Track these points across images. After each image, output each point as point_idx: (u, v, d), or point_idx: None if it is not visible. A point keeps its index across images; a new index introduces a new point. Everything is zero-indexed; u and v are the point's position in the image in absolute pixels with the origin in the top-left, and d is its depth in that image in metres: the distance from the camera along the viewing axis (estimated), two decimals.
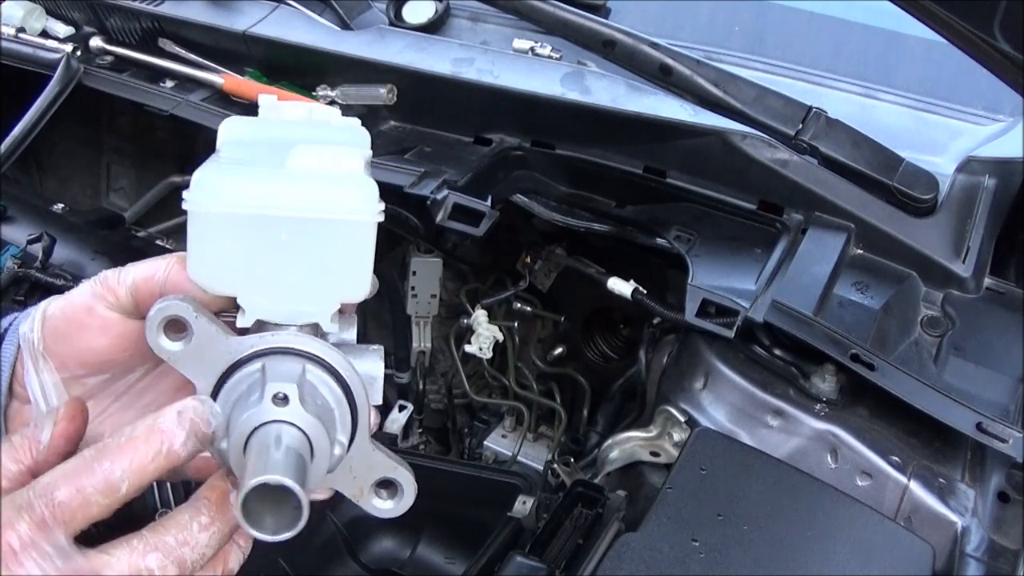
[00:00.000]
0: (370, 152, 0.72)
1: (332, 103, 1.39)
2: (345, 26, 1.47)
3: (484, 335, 1.52)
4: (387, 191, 1.25)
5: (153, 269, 0.63)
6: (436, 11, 1.49)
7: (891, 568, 0.92)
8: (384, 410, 1.68)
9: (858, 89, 1.37)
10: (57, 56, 1.58)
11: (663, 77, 1.26)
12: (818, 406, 1.08)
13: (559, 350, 1.69)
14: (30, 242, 1.37)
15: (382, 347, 0.65)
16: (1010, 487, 1.00)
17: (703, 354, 1.16)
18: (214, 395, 0.59)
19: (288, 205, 0.57)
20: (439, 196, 1.24)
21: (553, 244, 1.52)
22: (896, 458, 1.02)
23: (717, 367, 1.14)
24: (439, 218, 1.24)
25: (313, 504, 0.53)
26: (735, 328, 1.10)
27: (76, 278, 1.34)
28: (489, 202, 1.24)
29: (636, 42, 1.27)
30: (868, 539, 0.94)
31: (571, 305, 1.65)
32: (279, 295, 0.60)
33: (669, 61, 1.25)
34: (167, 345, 0.59)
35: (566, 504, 1.12)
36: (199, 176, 0.58)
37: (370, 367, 0.64)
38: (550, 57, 1.39)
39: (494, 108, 1.36)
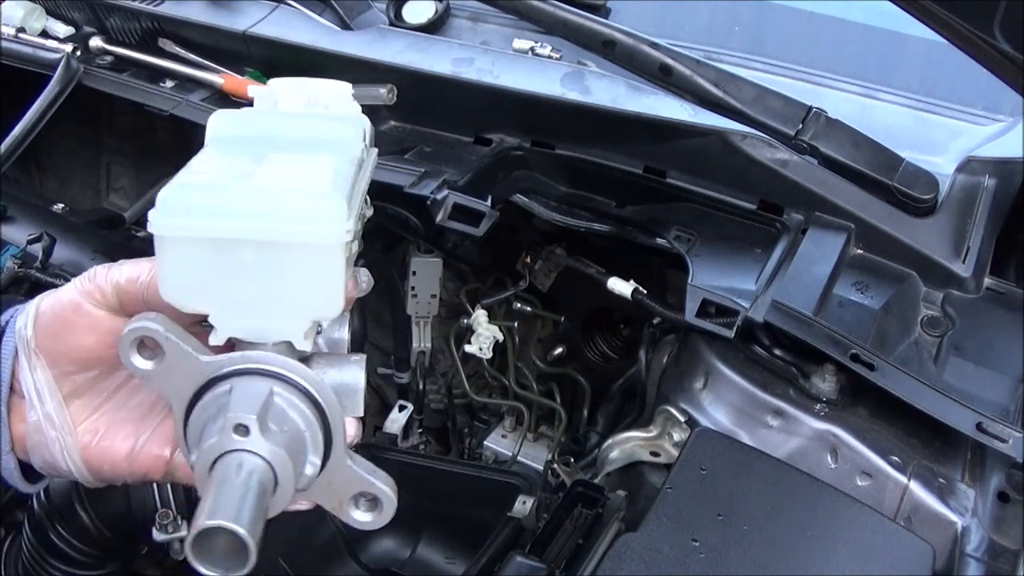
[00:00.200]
0: (362, 146, 0.70)
1: None
2: (345, 26, 1.46)
3: (484, 335, 1.52)
4: (387, 191, 1.27)
5: (138, 272, 0.64)
6: (436, 11, 1.49)
7: (891, 568, 0.92)
8: (384, 410, 1.69)
9: (858, 89, 1.37)
10: (57, 56, 1.57)
11: (663, 77, 1.26)
12: (818, 406, 1.08)
13: (559, 350, 1.69)
14: (30, 242, 1.37)
15: (364, 356, 0.65)
16: (1010, 487, 1.00)
17: (703, 354, 1.16)
18: (188, 414, 0.60)
19: (250, 228, 0.56)
20: (439, 196, 1.24)
21: (553, 244, 1.52)
22: (896, 458, 1.02)
23: (717, 367, 1.14)
24: (439, 218, 1.24)
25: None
26: (735, 328, 1.09)
27: None
28: (489, 202, 1.24)
29: (636, 42, 1.27)
30: (868, 539, 0.94)
31: (571, 305, 1.65)
32: (249, 314, 0.59)
33: (669, 61, 1.25)
34: (139, 363, 0.60)
35: (566, 504, 1.12)
36: (163, 195, 0.57)
37: (350, 377, 0.63)
38: (550, 57, 1.39)
39: (494, 108, 1.36)
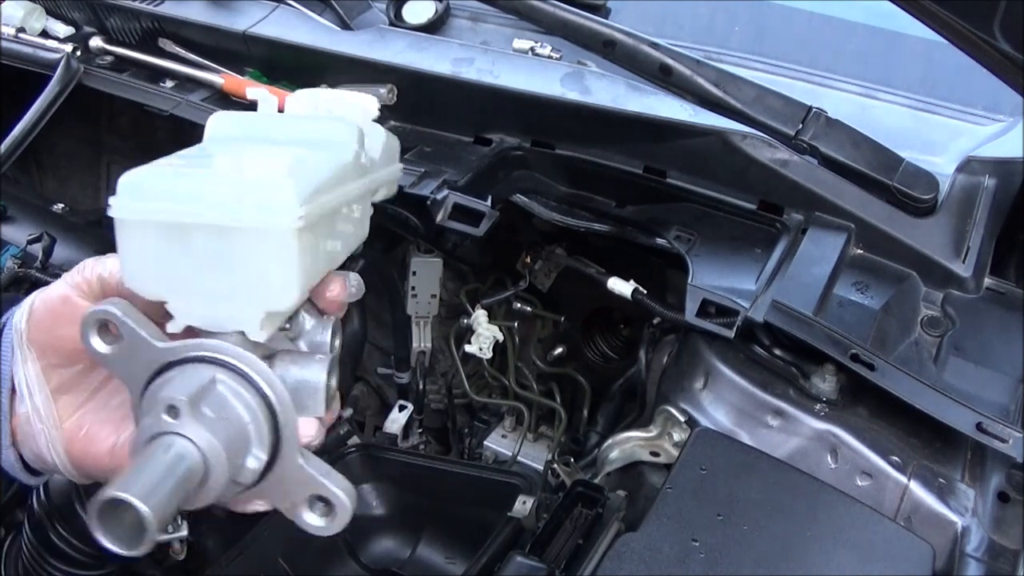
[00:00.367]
0: (356, 147, 0.69)
1: None
2: (345, 26, 1.46)
3: (484, 335, 1.52)
4: None
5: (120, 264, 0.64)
6: (436, 11, 1.49)
7: (891, 568, 0.92)
8: (384, 410, 1.69)
9: (858, 89, 1.37)
10: (57, 56, 1.58)
11: (663, 77, 1.26)
12: (818, 406, 1.08)
13: (559, 350, 1.69)
14: (30, 242, 1.37)
15: (329, 356, 0.64)
16: (1010, 487, 1.00)
17: (703, 354, 1.16)
18: (142, 399, 0.59)
19: (202, 212, 0.56)
20: (439, 196, 1.24)
21: (553, 244, 1.52)
22: (896, 458, 1.02)
23: (717, 367, 1.14)
24: (439, 218, 1.24)
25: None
26: (735, 328, 1.09)
27: None
28: (489, 202, 1.24)
29: (636, 42, 1.27)
30: (868, 539, 0.94)
31: (571, 305, 1.65)
32: (205, 302, 0.59)
33: (669, 61, 1.25)
34: (98, 346, 0.60)
35: (566, 504, 1.12)
36: (124, 180, 0.57)
37: (312, 375, 0.62)
38: (550, 57, 1.39)
39: (494, 108, 1.36)
